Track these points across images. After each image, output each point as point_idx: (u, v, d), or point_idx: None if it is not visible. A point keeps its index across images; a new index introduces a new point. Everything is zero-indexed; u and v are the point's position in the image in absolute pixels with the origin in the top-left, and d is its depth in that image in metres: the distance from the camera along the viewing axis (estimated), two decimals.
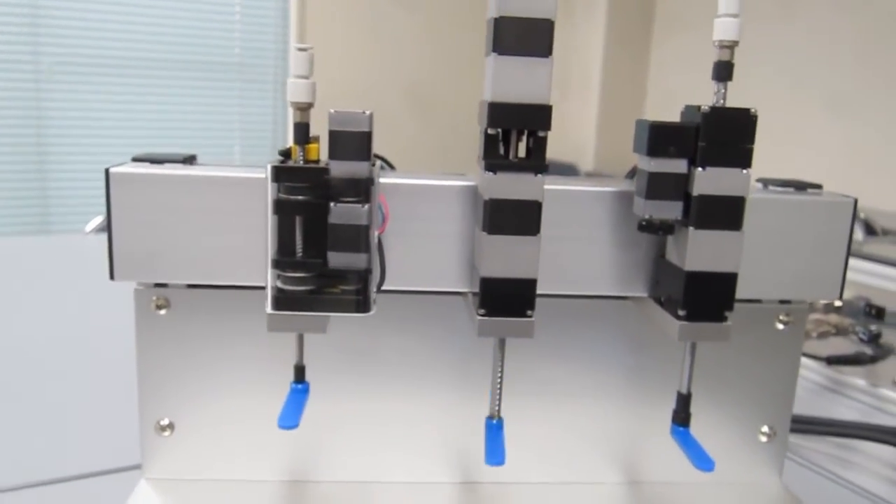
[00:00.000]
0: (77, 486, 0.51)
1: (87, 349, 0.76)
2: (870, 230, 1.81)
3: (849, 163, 2.69)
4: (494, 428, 0.39)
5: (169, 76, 2.73)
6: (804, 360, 0.80)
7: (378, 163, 0.37)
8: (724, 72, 0.36)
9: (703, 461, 0.38)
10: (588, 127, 3.43)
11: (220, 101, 2.81)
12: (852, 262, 0.77)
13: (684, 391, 0.40)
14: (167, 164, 0.40)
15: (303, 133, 0.35)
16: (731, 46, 0.36)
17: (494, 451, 0.37)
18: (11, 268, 1.07)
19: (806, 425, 0.62)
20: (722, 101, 0.36)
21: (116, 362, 0.42)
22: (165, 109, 2.76)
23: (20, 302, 0.92)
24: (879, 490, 0.56)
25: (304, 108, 0.34)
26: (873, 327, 0.75)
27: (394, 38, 3.11)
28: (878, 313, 0.75)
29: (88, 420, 0.61)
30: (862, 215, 1.89)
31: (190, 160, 0.42)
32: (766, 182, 0.46)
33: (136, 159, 0.41)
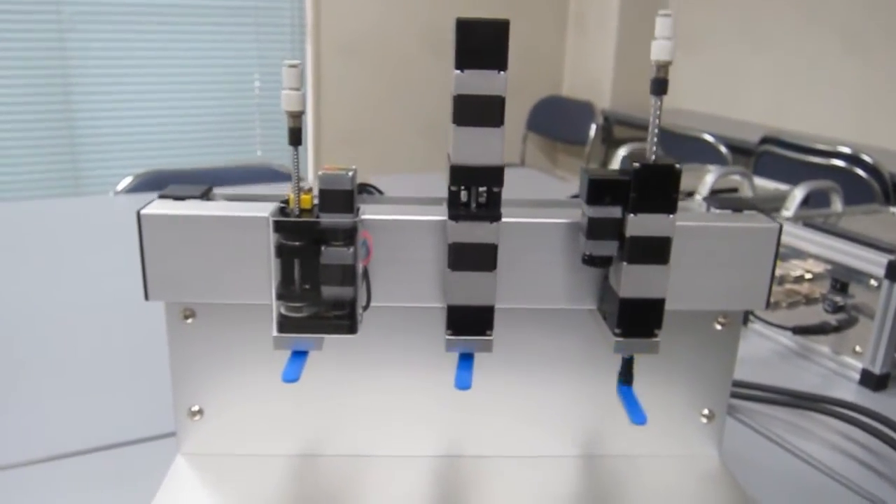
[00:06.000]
0: (113, 454, 0.60)
1: (121, 313, 0.84)
2: (885, 195, 1.84)
3: (863, 100, 2.67)
4: None
5: (186, 21, 2.76)
6: (776, 329, 0.87)
7: (359, 209, 0.44)
8: (660, 88, 0.41)
9: (637, 416, 0.45)
10: (605, 64, 3.40)
11: (239, 45, 2.85)
12: (825, 238, 0.82)
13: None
14: (188, 201, 0.48)
15: (296, 136, 0.42)
16: (666, 66, 0.41)
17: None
18: (43, 230, 1.14)
19: (747, 389, 0.70)
20: (653, 157, 0.42)
21: (150, 325, 0.50)
22: (184, 55, 2.80)
23: (50, 265, 0.99)
24: (830, 460, 0.63)
25: (296, 116, 0.41)
26: (838, 299, 0.81)
27: None
28: (842, 287, 0.81)
29: (122, 386, 0.69)
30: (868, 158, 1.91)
31: (207, 193, 0.49)
32: (710, 203, 0.52)
33: (162, 196, 0.48)
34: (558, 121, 3.52)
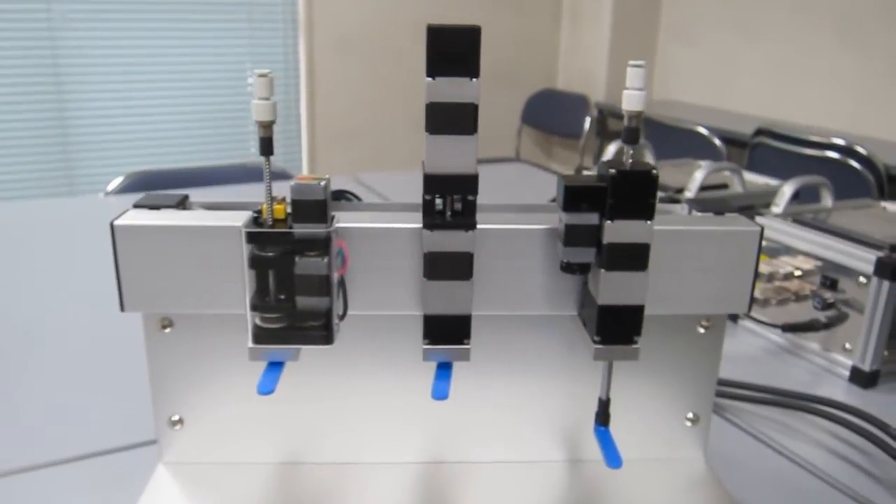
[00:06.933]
0: (94, 463, 0.59)
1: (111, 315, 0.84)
2: (880, 187, 1.84)
3: (858, 91, 2.66)
4: None
5: (178, 18, 2.74)
6: (765, 326, 0.86)
7: (333, 218, 0.43)
8: (631, 137, 0.41)
9: (613, 460, 0.45)
10: (600, 57, 3.39)
11: (232, 41, 2.83)
12: (814, 234, 0.82)
13: (604, 397, 0.47)
14: (163, 210, 0.47)
15: (268, 146, 0.41)
16: (638, 115, 0.41)
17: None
18: (32, 231, 1.13)
19: (735, 389, 0.70)
20: (629, 161, 0.42)
21: (135, 329, 0.49)
22: (176, 53, 2.79)
23: (37, 267, 0.98)
24: (818, 460, 0.63)
25: (267, 126, 0.41)
26: (828, 296, 0.81)
27: None
28: (832, 284, 0.81)
29: (105, 392, 0.68)
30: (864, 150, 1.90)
31: (183, 202, 0.49)
32: (691, 206, 0.51)
33: (136, 206, 0.48)
34: (553, 114, 3.51)
